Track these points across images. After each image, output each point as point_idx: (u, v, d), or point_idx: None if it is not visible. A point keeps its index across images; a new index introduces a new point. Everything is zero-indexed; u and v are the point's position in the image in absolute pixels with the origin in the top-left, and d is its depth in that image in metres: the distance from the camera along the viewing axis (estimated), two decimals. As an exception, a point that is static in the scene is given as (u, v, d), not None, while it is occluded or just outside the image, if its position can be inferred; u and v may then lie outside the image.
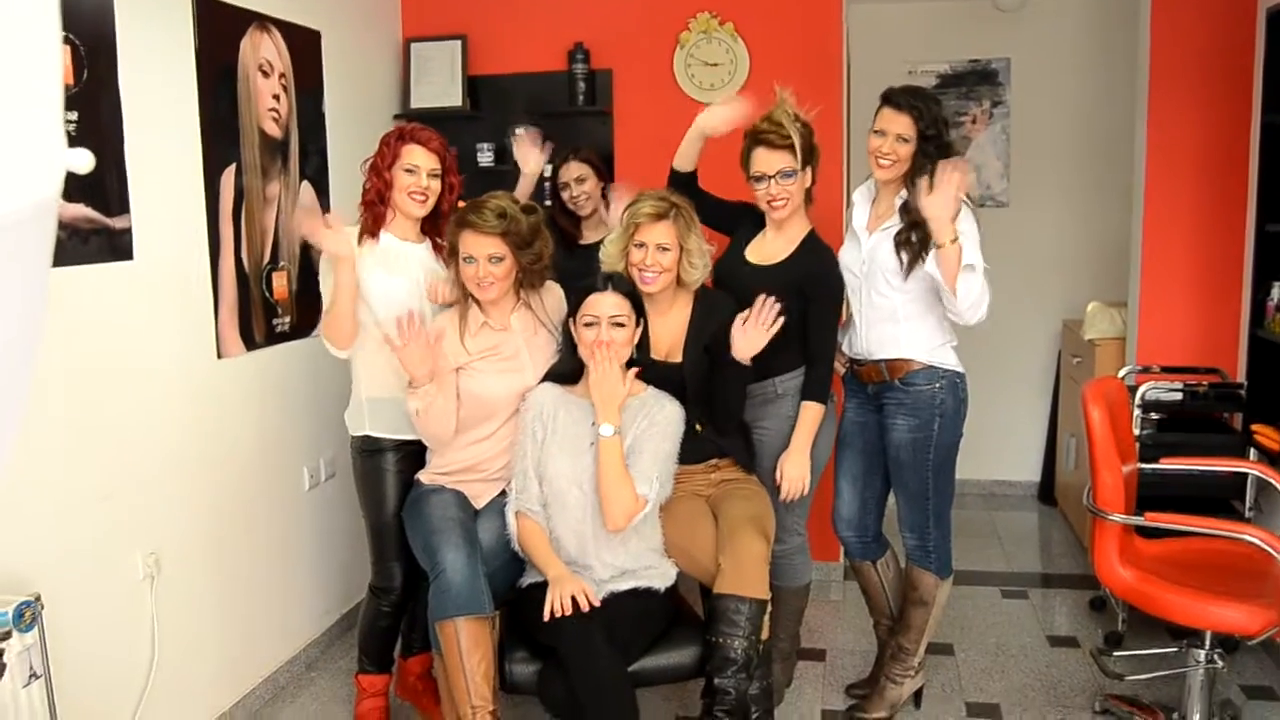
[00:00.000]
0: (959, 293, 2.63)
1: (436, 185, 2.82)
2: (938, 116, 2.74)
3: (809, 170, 2.84)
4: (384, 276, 2.80)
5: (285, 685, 3.38)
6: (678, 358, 2.80)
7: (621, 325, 2.63)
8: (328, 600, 3.67)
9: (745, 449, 2.90)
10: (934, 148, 2.72)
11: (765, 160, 2.80)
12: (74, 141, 2.58)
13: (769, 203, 2.82)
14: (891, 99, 2.77)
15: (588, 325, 2.62)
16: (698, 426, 2.78)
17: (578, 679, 2.40)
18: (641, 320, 2.70)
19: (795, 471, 2.83)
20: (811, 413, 2.85)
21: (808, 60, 3.95)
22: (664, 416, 2.66)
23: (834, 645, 3.63)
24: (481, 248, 2.65)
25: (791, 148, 2.77)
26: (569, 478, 2.63)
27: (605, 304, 2.62)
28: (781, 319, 2.69)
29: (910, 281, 2.78)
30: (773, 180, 2.79)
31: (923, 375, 2.83)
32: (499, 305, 2.77)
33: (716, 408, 2.79)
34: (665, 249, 2.71)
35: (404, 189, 2.78)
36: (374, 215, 2.82)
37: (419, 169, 2.78)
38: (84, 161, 0.71)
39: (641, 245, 2.71)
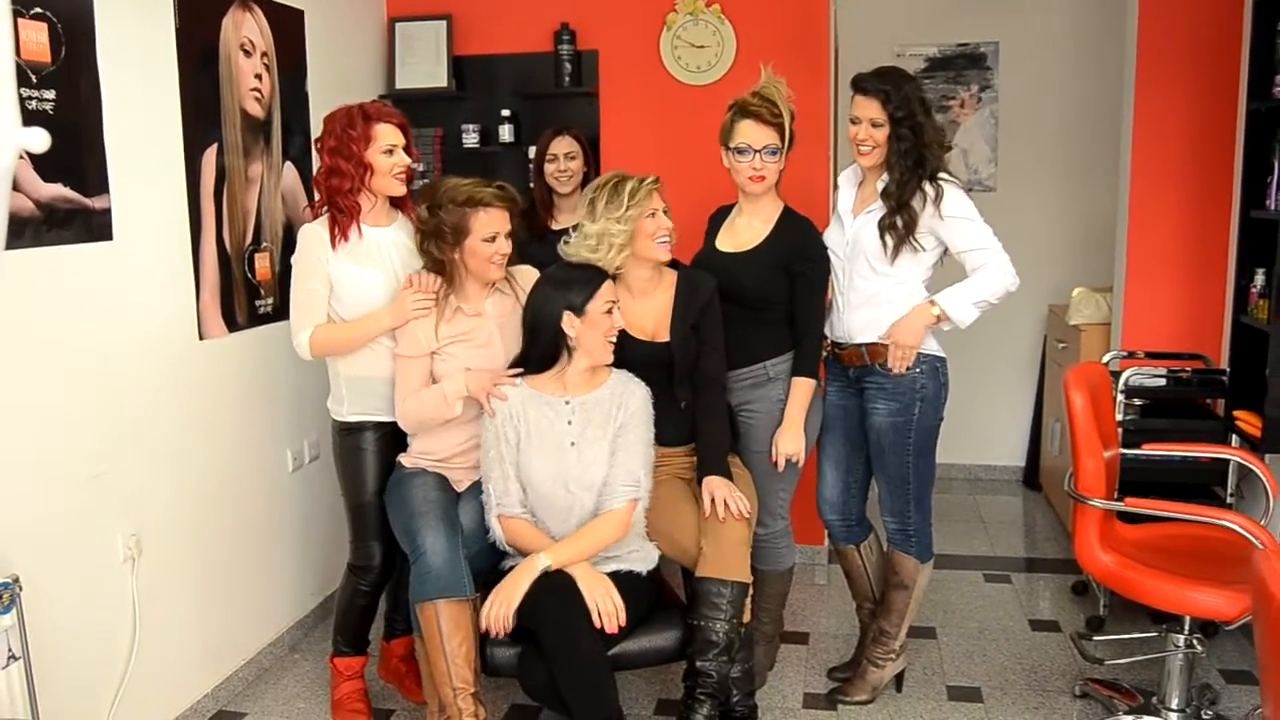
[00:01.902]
0: (973, 317, 2.75)
1: (407, 159, 2.80)
2: (908, 96, 2.71)
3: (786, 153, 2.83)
4: (356, 271, 2.76)
5: (268, 667, 3.38)
6: (664, 337, 2.79)
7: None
8: (311, 582, 3.67)
9: (728, 439, 2.85)
10: (907, 129, 2.70)
11: (753, 133, 2.78)
12: (51, 120, 2.55)
13: (749, 176, 2.81)
14: (859, 85, 2.76)
15: (609, 311, 2.64)
16: (682, 404, 2.79)
17: (557, 662, 2.40)
18: None
19: (791, 447, 2.83)
20: (803, 388, 2.85)
21: (795, 43, 3.93)
22: (636, 404, 2.67)
23: (817, 628, 3.64)
24: (503, 224, 2.69)
25: (780, 126, 2.76)
26: (553, 478, 2.62)
27: (614, 289, 2.69)
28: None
29: (893, 265, 2.78)
30: (758, 155, 2.78)
31: (903, 359, 2.83)
32: (478, 289, 2.76)
33: (699, 373, 2.80)
34: (668, 213, 2.77)
35: (388, 171, 2.75)
36: (350, 211, 2.74)
37: (396, 148, 2.75)
38: (38, 141, 0.69)
39: (654, 214, 2.73)
